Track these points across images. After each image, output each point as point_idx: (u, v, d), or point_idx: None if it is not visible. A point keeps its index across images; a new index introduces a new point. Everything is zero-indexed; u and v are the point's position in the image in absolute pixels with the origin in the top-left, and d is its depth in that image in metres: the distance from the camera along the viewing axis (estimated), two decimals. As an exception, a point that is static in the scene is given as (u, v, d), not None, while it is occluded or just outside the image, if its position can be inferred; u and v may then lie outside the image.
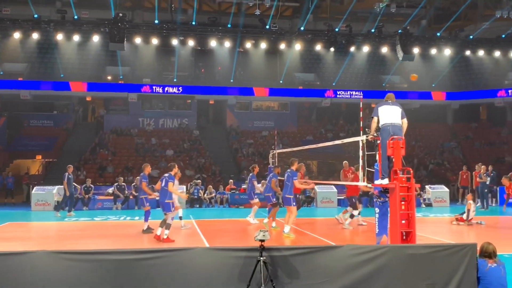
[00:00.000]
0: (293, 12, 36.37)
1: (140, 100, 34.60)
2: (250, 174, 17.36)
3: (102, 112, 35.70)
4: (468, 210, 16.37)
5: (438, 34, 30.96)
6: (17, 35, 26.93)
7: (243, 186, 24.17)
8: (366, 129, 10.49)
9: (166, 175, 12.98)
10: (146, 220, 14.59)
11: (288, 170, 13.88)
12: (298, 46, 29.91)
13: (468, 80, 37.67)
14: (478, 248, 6.76)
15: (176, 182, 15.61)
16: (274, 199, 15.27)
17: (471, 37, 31.03)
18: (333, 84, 35.83)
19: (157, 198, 13.58)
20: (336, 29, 29.27)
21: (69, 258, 6.70)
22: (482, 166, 23.48)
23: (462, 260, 6.96)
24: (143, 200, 15.01)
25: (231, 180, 25.96)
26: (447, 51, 31.10)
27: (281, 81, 35.42)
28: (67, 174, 19.38)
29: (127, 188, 23.64)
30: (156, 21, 28.40)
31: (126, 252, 7.01)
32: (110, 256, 6.82)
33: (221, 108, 37.19)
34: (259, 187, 17.33)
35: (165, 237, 12.22)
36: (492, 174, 23.58)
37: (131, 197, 23.16)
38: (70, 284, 6.56)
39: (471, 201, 16.54)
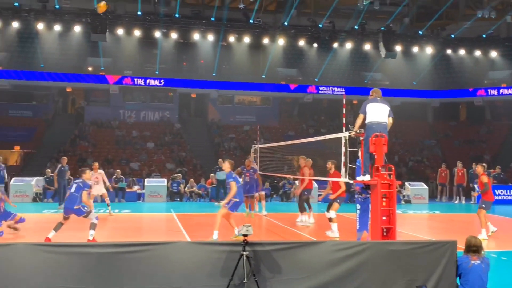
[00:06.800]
0: (277, 7, 36.30)
1: (121, 92, 34.26)
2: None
3: (82, 104, 35.25)
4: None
5: (420, 32, 31.26)
6: (-4, 23, 26.43)
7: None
8: (349, 126, 10.48)
9: (79, 180, 11.55)
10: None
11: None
12: (281, 41, 29.91)
13: (449, 79, 38.08)
14: (464, 243, 6.83)
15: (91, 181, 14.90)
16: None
17: (452, 36, 31.38)
18: (316, 80, 35.92)
19: None
20: (320, 25, 29.33)
21: (48, 251, 6.60)
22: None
23: (442, 257, 7.03)
24: None
25: (212, 174, 25.74)
26: (429, 50, 31.40)
27: (263, 76, 35.38)
28: (60, 165, 19.00)
29: (108, 180, 23.34)
30: (139, 13, 28.12)
31: (107, 245, 6.94)
32: (91, 249, 6.74)
33: (203, 102, 37.02)
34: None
35: (90, 238, 11.22)
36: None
37: (110, 189, 22.93)
38: (49, 277, 6.46)
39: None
